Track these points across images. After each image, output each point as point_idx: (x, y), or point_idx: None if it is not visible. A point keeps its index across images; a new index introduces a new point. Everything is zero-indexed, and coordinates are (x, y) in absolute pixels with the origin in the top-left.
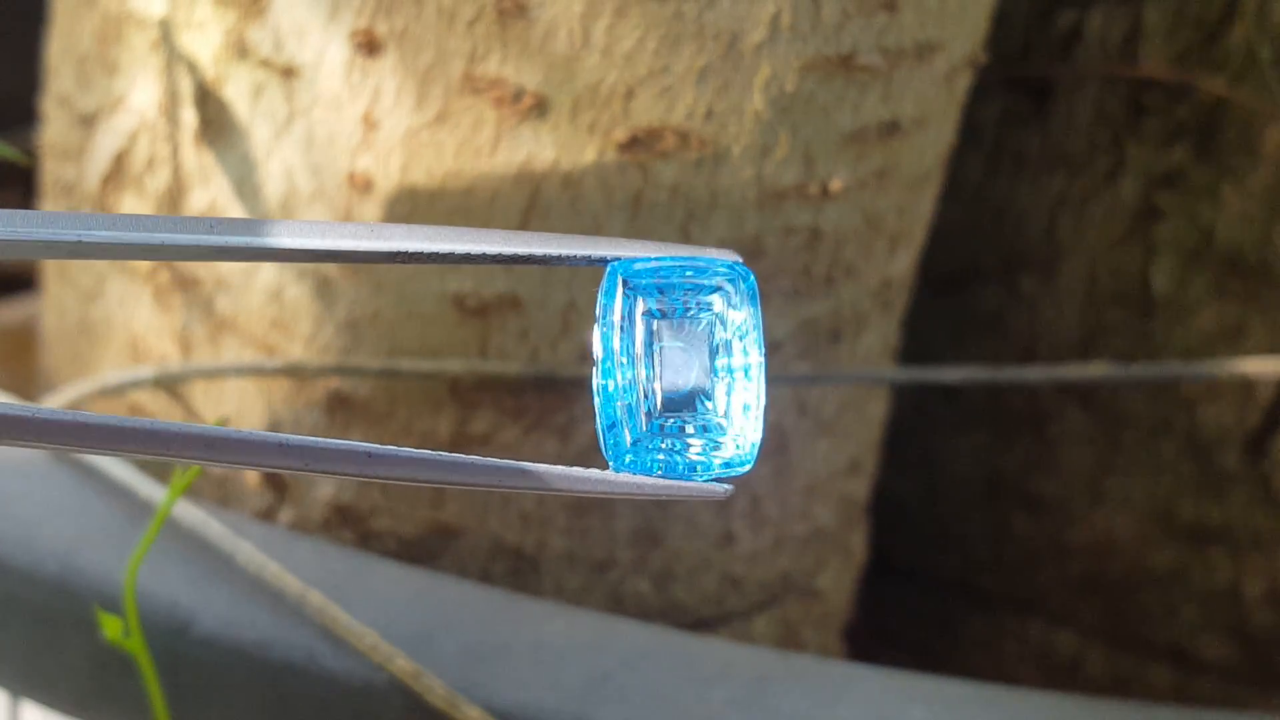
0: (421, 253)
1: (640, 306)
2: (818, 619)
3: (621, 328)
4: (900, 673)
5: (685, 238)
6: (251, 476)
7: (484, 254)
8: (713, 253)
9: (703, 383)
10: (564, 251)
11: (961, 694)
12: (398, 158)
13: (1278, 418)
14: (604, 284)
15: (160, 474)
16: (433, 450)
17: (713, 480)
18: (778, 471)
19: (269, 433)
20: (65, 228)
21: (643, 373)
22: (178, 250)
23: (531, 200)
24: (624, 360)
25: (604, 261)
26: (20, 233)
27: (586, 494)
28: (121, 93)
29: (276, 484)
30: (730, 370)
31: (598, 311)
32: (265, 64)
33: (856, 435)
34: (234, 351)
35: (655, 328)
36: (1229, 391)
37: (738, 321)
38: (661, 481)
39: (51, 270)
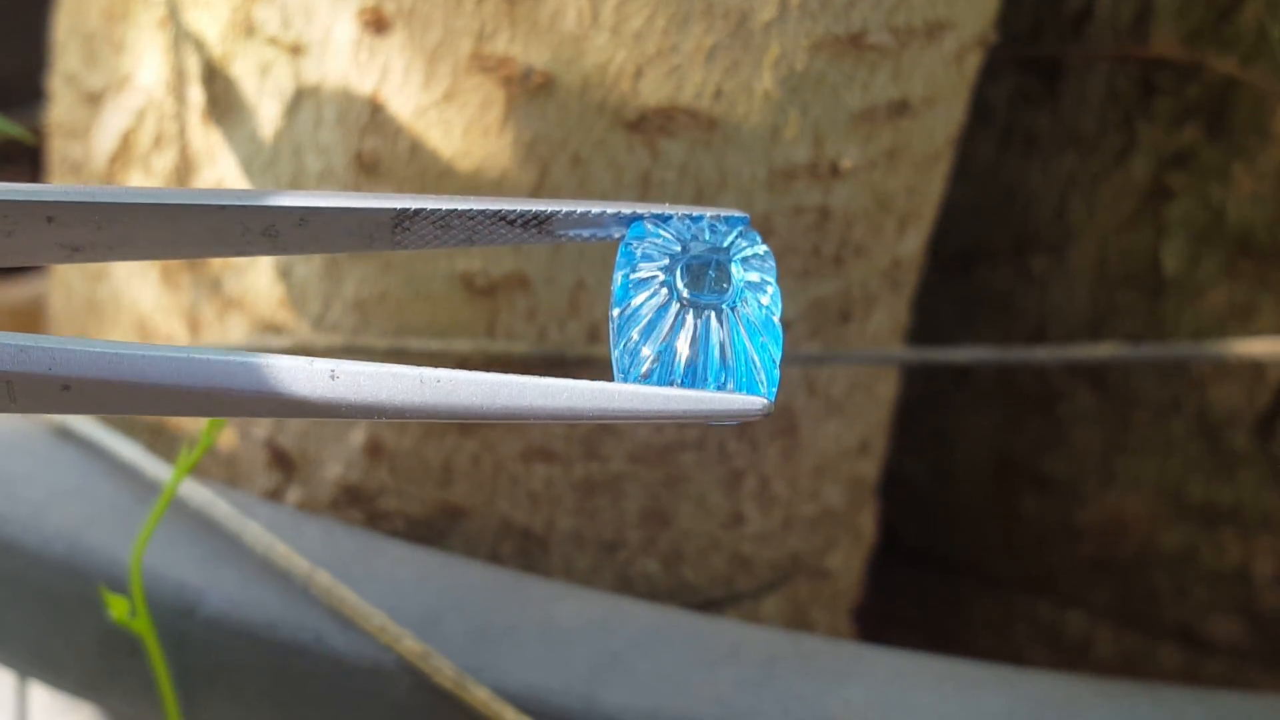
0: (425, 210)
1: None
2: (827, 600)
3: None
4: (910, 653)
5: None
6: (259, 455)
7: (487, 212)
8: (722, 211)
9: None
10: (574, 209)
11: (971, 675)
12: (406, 137)
13: None
14: (624, 238)
15: (168, 453)
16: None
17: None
18: (787, 452)
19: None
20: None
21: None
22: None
23: (540, 180)
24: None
25: (618, 220)
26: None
27: (619, 414)
28: (128, 71)
29: (284, 463)
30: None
31: (619, 258)
32: (273, 42)
33: (866, 415)
34: (242, 330)
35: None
36: (1239, 372)
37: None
38: (699, 394)
39: None
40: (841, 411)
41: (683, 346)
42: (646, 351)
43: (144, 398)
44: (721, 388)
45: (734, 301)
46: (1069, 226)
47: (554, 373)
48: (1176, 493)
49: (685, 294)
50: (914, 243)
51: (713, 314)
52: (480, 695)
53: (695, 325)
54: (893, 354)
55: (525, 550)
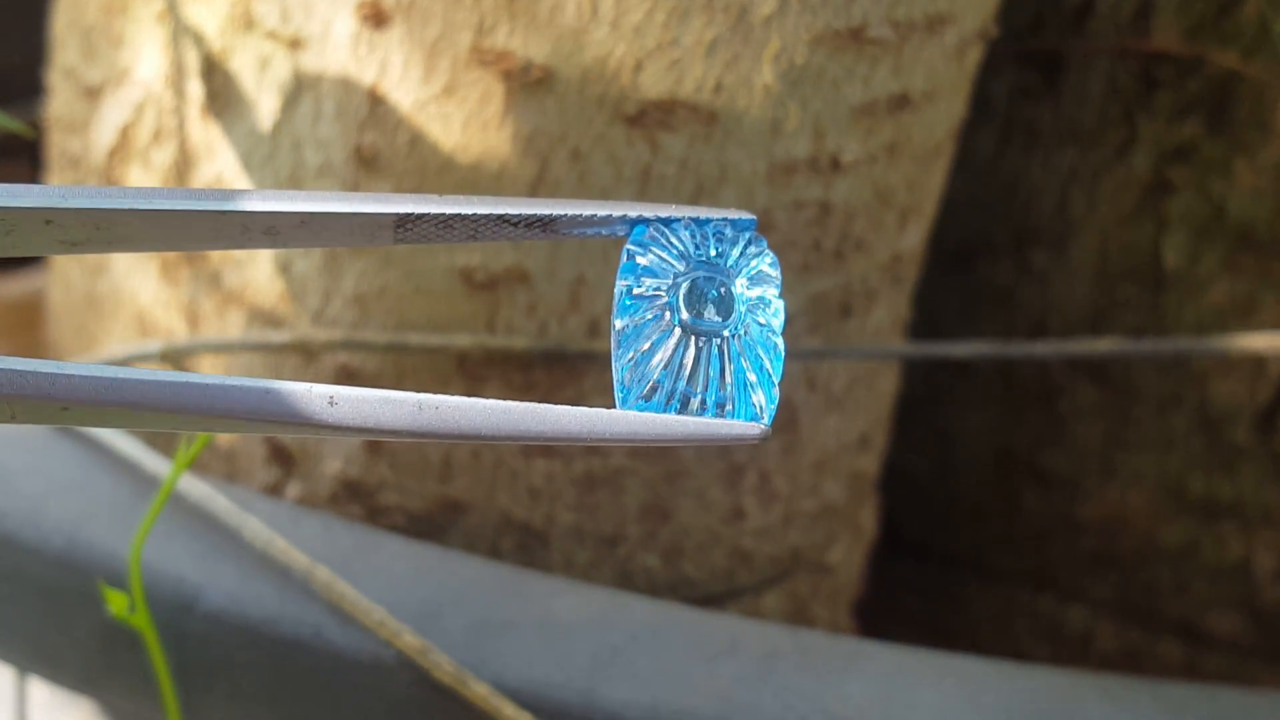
0: (428, 214)
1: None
2: (827, 594)
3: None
4: (910, 649)
5: None
6: (259, 449)
7: (490, 215)
8: (730, 213)
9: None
10: (579, 212)
11: (972, 669)
12: (405, 131)
13: None
14: (629, 239)
15: (167, 447)
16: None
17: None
18: (787, 446)
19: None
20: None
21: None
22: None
23: (540, 174)
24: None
25: (623, 222)
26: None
27: (616, 439)
28: (127, 65)
29: (284, 458)
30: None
31: (622, 260)
32: (272, 35)
33: (866, 410)
34: (241, 325)
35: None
36: (1240, 366)
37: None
38: (696, 420)
39: None
40: (842, 406)
41: (682, 372)
42: (647, 374)
43: (143, 419)
44: (720, 410)
45: (735, 328)
46: (1070, 221)
47: (555, 366)
48: (1177, 487)
49: (687, 318)
50: (915, 237)
51: (713, 341)
52: (480, 690)
53: (695, 352)
54: (893, 349)
55: (525, 545)
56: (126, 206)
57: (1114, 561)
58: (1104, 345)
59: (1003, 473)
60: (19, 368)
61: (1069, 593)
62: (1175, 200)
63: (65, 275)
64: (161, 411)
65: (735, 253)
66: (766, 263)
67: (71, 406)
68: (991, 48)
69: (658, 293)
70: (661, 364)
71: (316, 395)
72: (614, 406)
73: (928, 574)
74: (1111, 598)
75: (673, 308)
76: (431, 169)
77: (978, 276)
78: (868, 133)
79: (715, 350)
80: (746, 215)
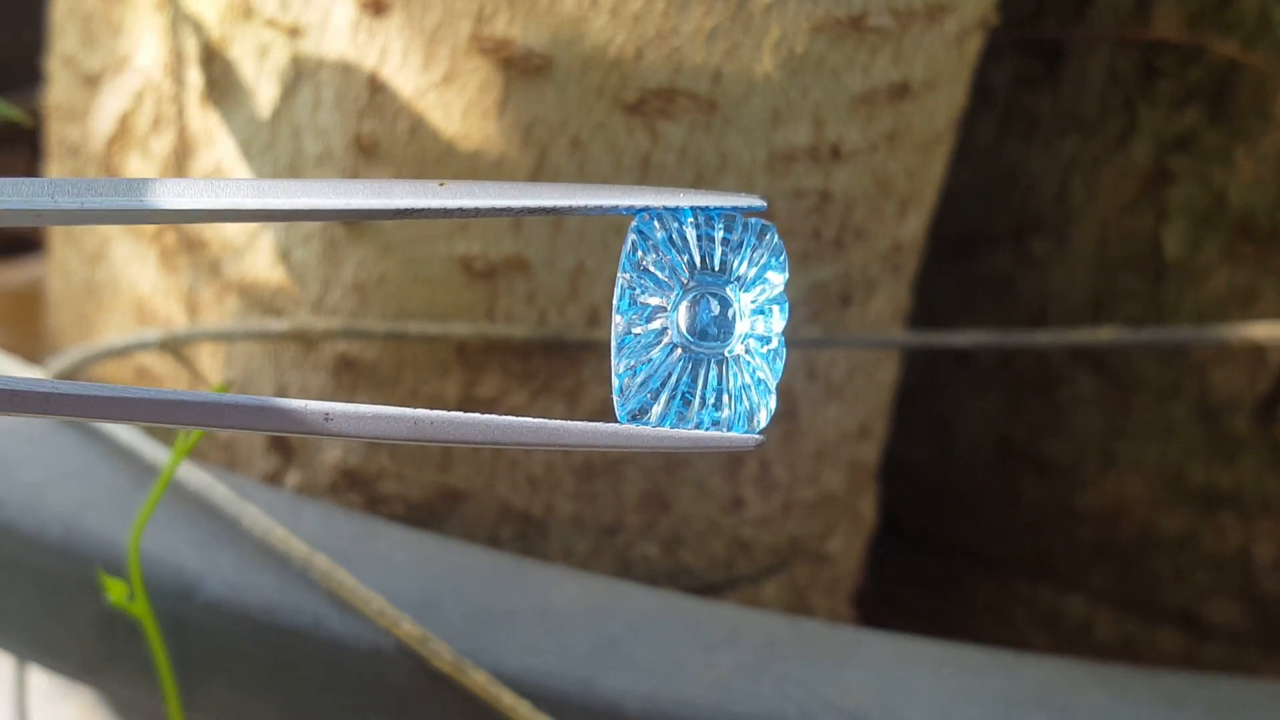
0: (430, 208)
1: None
2: (827, 584)
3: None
4: (909, 638)
5: None
6: (258, 439)
7: (493, 207)
8: (739, 199)
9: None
10: (584, 202)
11: (971, 659)
12: (404, 119)
13: None
14: (634, 227)
15: (165, 437)
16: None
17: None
18: (787, 436)
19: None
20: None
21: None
22: (181, 215)
23: (539, 163)
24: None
25: (626, 210)
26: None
27: (611, 448)
28: (126, 52)
29: (283, 447)
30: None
31: (625, 249)
32: (271, 23)
33: (866, 399)
34: (240, 314)
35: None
36: (1240, 356)
37: (771, 281)
38: (691, 433)
39: (56, 232)
40: (842, 395)
41: (680, 384)
42: (645, 384)
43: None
44: (717, 412)
45: (734, 349)
46: (1070, 210)
47: (554, 355)
48: (1177, 477)
49: (686, 338)
50: (914, 226)
51: (712, 360)
52: (479, 679)
53: (693, 366)
54: (893, 338)
55: (524, 534)
56: (117, 208)
57: (1113, 551)
58: (1104, 334)
59: (1002, 462)
60: (13, 388)
61: (1068, 582)
62: (1175, 189)
63: (64, 264)
64: (156, 423)
65: (744, 251)
66: (773, 265)
67: (71, 419)
68: (992, 36)
69: (660, 302)
70: (659, 376)
71: (312, 412)
72: (612, 397)
73: (927, 563)
74: (1110, 587)
75: (673, 324)
76: (431, 157)
77: (977, 265)
78: (868, 121)
79: (714, 371)
80: (757, 201)
